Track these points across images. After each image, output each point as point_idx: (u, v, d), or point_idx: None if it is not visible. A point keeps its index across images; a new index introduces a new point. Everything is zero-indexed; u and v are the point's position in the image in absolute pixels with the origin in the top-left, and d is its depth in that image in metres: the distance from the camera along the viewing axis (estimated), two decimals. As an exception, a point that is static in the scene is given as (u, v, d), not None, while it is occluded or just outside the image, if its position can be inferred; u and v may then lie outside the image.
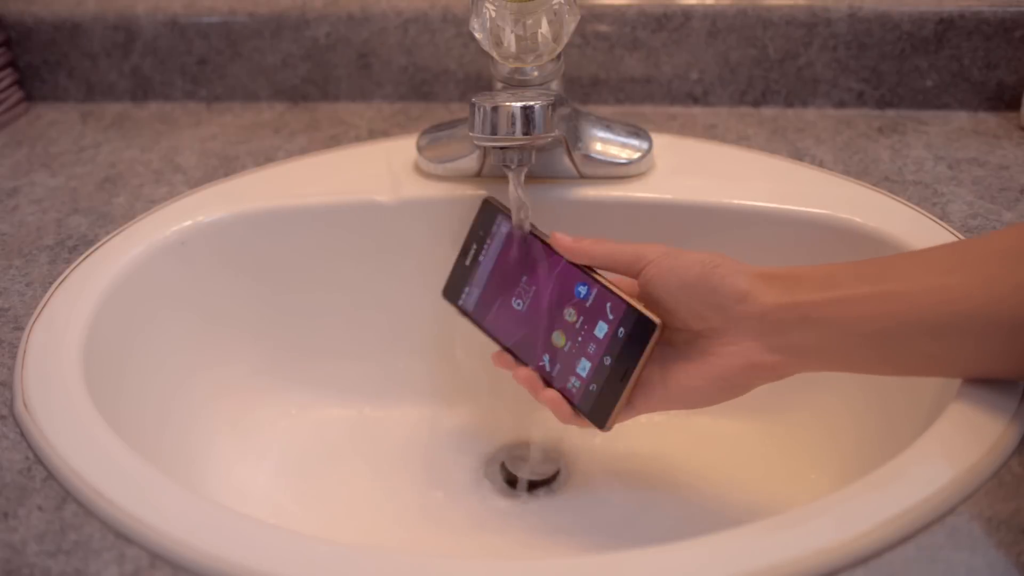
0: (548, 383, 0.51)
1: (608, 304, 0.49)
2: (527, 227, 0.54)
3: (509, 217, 0.54)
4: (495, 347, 0.55)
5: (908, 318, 0.40)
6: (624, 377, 0.47)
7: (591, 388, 0.49)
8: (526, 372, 0.52)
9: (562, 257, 0.52)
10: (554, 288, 0.52)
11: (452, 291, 0.57)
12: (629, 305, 0.48)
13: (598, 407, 0.48)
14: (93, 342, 0.50)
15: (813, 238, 0.58)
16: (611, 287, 0.49)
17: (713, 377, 0.45)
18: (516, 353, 0.53)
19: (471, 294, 0.56)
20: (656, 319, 0.47)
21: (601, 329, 0.49)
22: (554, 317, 0.51)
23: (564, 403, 0.50)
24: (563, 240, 0.51)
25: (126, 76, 0.79)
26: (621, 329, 0.48)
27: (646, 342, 0.47)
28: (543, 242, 0.53)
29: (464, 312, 0.56)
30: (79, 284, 0.54)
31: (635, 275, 0.48)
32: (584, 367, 0.49)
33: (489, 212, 0.56)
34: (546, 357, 0.51)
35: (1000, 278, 0.39)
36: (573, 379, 0.50)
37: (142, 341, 0.56)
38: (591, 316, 0.50)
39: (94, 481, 0.40)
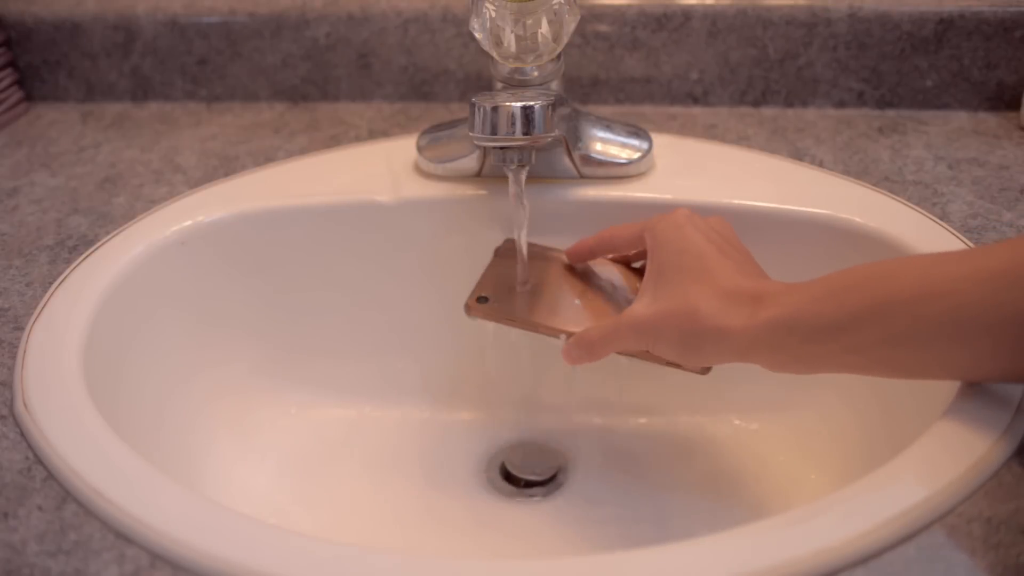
0: None
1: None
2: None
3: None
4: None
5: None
6: None
7: None
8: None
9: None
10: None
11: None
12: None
13: None
14: (93, 342, 0.50)
15: (813, 238, 0.58)
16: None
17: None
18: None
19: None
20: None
21: None
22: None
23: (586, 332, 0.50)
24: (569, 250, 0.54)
25: (126, 76, 0.79)
26: None
27: None
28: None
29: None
30: (79, 284, 0.54)
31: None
32: None
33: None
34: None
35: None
36: None
37: (142, 341, 0.56)
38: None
39: (94, 481, 0.40)
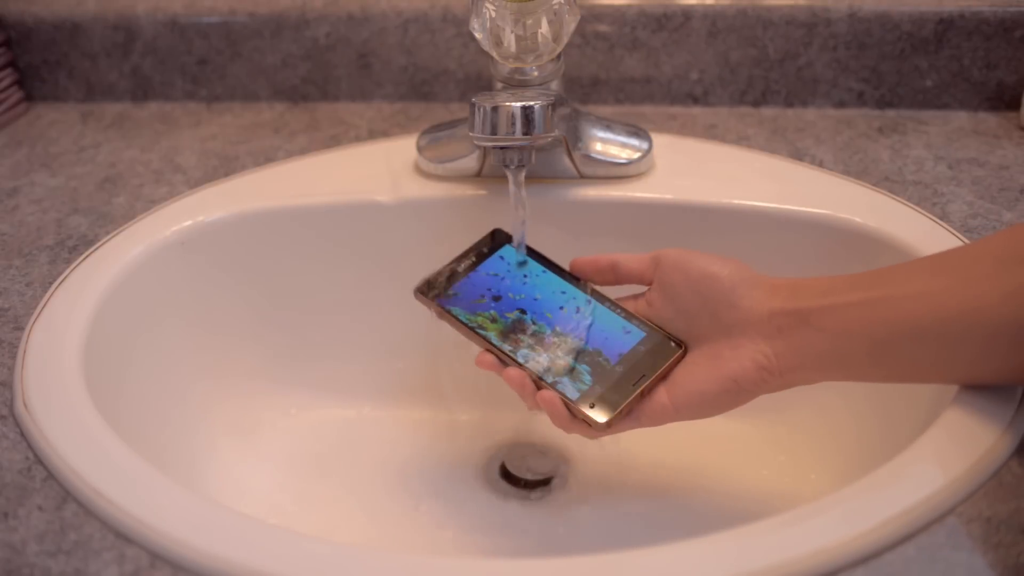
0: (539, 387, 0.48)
1: (626, 325, 0.49)
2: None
3: (517, 245, 0.54)
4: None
5: (897, 324, 0.41)
6: (637, 383, 0.47)
7: (595, 388, 0.47)
8: (517, 372, 0.47)
9: (572, 282, 0.52)
10: (562, 310, 0.51)
11: (431, 289, 0.52)
12: (652, 328, 0.48)
13: (600, 404, 0.46)
14: (93, 342, 0.50)
15: (813, 238, 0.58)
16: (630, 312, 0.49)
17: (722, 378, 0.45)
18: (505, 356, 0.49)
19: (458, 296, 0.52)
20: (683, 341, 0.47)
21: (617, 346, 0.48)
22: (559, 335, 0.50)
23: (561, 404, 0.47)
24: (580, 260, 0.51)
25: (126, 76, 0.79)
26: (640, 347, 0.48)
27: (667, 358, 0.47)
28: (551, 267, 0.53)
29: (443, 309, 0.51)
30: (79, 284, 0.54)
31: (649, 280, 0.49)
32: (589, 366, 0.48)
33: (499, 238, 0.55)
34: (543, 360, 0.48)
35: (986, 283, 0.39)
36: (575, 381, 0.47)
37: (142, 341, 0.56)
38: (604, 335, 0.49)
39: (94, 481, 0.40)
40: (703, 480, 0.59)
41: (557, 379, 0.48)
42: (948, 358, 0.41)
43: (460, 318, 0.51)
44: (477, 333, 0.50)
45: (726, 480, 0.59)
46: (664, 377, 0.47)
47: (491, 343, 0.49)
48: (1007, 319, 0.38)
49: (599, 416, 0.46)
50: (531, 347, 0.49)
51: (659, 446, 0.62)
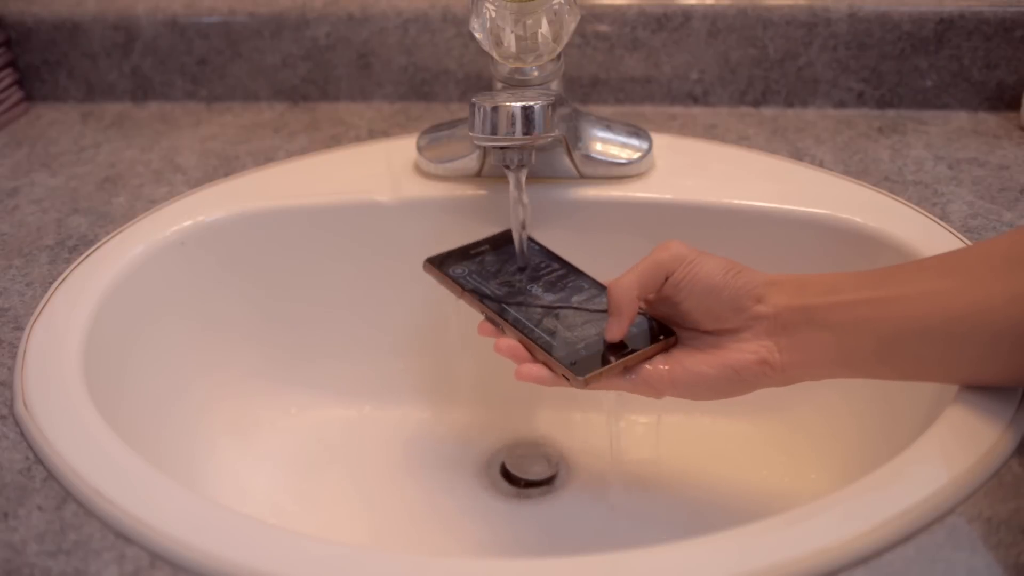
0: (532, 354, 0.48)
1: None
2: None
3: (518, 247, 0.55)
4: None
5: (903, 322, 0.41)
6: (622, 356, 0.47)
7: (580, 351, 0.47)
8: (508, 342, 0.49)
9: (575, 272, 0.53)
10: (562, 292, 0.52)
11: (441, 261, 0.55)
12: (647, 316, 0.49)
13: (582, 364, 0.46)
14: (93, 342, 0.50)
15: (813, 238, 0.58)
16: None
17: (723, 365, 0.45)
18: (503, 322, 0.50)
19: (466, 270, 0.54)
20: (673, 331, 0.48)
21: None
22: (558, 308, 0.51)
23: (545, 375, 0.47)
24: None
25: (126, 76, 0.79)
26: (633, 328, 0.48)
27: (655, 340, 0.47)
28: (556, 260, 0.54)
29: (449, 276, 0.53)
30: (79, 284, 0.54)
31: (660, 287, 0.48)
32: (580, 335, 0.48)
33: (509, 238, 0.56)
34: (536, 328, 0.49)
35: (994, 284, 0.39)
36: (564, 342, 0.48)
37: (142, 341, 0.56)
38: (600, 316, 0.50)
39: (94, 481, 0.40)
40: (703, 480, 0.59)
41: (548, 339, 0.48)
42: (953, 358, 0.41)
43: (463, 285, 0.53)
44: (477, 298, 0.52)
45: (726, 479, 0.59)
46: (650, 357, 0.47)
47: (491, 310, 0.51)
48: (1013, 321, 0.38)
49: (578, 373, 0.46)
50: (528, 315, 0.50)
51: (659, 446, 0.62)
